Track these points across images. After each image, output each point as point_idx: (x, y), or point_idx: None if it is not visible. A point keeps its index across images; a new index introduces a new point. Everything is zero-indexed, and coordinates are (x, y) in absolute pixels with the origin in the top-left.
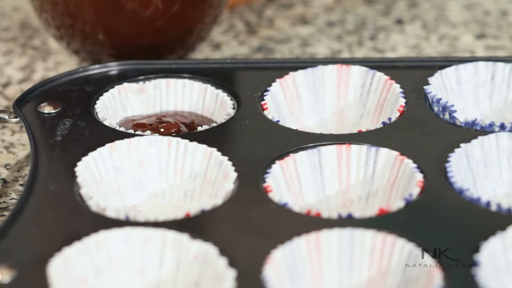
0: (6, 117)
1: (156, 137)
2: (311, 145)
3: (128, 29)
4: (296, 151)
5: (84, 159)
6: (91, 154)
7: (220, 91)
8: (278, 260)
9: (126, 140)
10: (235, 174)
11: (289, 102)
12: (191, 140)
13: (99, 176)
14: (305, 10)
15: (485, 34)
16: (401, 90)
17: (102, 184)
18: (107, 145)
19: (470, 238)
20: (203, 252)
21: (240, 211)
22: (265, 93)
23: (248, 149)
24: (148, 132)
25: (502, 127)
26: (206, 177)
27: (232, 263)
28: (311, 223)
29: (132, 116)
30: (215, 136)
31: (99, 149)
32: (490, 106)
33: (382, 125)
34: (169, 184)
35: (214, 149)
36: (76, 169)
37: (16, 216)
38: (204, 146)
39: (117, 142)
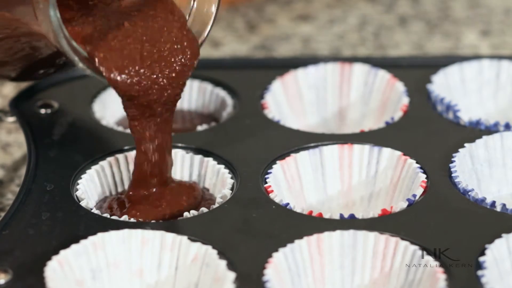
0: (3, 116)
1: None
2: (312, 144)
3: None
4: (297, 151)
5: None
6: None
7: (220, 90)
8: (279, 262)
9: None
10: (232, 181)
11: (290, 101)
12: (190, 140)
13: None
14: (306, 7)
15: (489, 32)
16: (404, 89)
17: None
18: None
19: (475, 239)
20: (202, 254)
21: (240, 212)
22: (265, 92)
23: (248, 149)
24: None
25: (507, 126)
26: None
27: (232, 265)
28: (313, 224)
29: None
30: (214, 136)
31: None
32: (495, 105)
33: (385, 125)
34: None
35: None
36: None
37: (12, 217)
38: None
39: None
